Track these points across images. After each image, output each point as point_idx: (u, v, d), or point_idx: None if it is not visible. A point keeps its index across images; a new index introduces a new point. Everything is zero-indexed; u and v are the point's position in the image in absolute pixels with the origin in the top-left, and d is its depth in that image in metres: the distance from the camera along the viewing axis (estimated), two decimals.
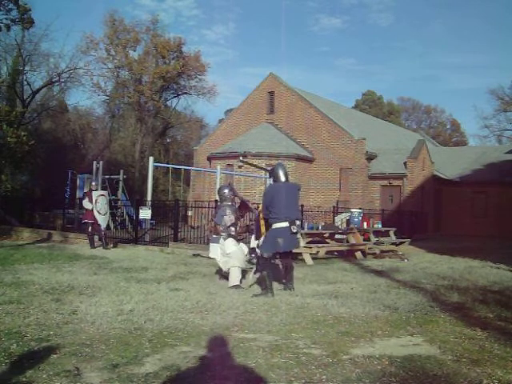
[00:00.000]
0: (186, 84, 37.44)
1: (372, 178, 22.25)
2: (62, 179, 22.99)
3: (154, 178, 21.81)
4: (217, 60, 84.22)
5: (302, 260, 10.69)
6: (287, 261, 7.10)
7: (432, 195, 23.85)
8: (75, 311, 5.34)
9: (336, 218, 16.35)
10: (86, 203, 12.97)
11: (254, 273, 7.48)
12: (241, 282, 7.37)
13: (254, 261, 7.93)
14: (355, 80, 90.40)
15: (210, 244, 7.92)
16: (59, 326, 4.75)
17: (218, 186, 13.02)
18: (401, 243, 15.28)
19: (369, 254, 12.64)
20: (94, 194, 13.06)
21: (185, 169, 20.12)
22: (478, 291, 7.14)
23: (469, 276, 8.81)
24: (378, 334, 4.75)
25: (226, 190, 7.91)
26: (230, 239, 7.48)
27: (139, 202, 14.90)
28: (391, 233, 15.60)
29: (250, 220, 8.24)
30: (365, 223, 14.87)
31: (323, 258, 11.65)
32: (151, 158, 15.15)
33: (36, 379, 3.36)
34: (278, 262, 7.39)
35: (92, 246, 12.77)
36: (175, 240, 13.13)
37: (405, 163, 21.88)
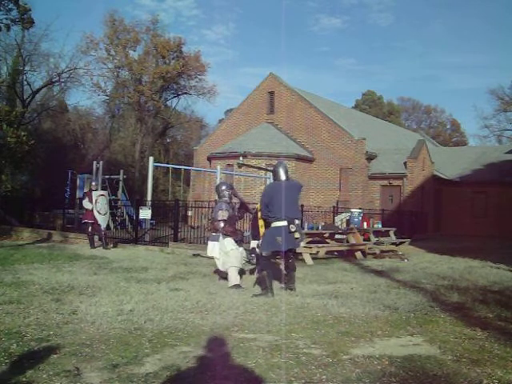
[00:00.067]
0: (186, 84, 37.50)
1: (372, 177, 22.25)
2: (61, 179, 22.99)
3: (154, 178, 21.82)
4: (217, 60, 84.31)
5: (302, 260, 10.69)
6: (289, 261, 7.10)
7: (432, 195, 23.85)
8: (75, 311, 5.34)
9: (336, 218, 16.35)
10: (85, 203, 12.97)
11: (254, 273, 7.48)
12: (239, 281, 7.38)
13: (254, 261, 7.93)
14: (355, 80, 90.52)
15: (209, 242, 7.91)
16: (59, 326, 4.75)
17: None
18: (401, 243, 15.28)
19: (369, 253, 12.64)
20: (94, 194, 13.06)
21: (185, 169, 20.13)
22: (477, 291, 7.13)
23: (469, 276, 8.81)
24: (377, 334, 4.76)
25: (224, 187, 7.97)
26: (229, 238, 7.48)
27: (139, 202, 14.90)
28: (391, 233, 15.60)
29: (240, 230, 8.13)
30: (365, 223, 14.87)
31: (323, 258, 11.65)
32: (151, 158, 15.15)
33: (36, 379, 3.36)
34: (280, 261, 7.39)
35: (92, 246, 12.77)
36: (175, 240, 13.14)
37: (405, 163, 21.88)
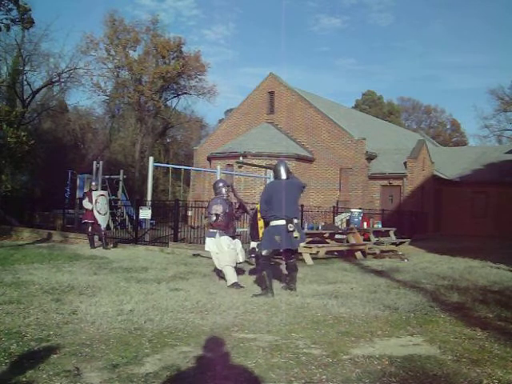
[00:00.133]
0: (186, 84, 37.50)
1: (372, 177, 22.25)
2: (61, 179, 23.00)
3: (154, 178, 21.82)
4: (217, 60, 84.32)
5: (302, 260, 10.69)
6: (290, 261, 7.09)
7: (432, 195, 23.85)
8: (75, 311, 5.34)
9: (336, 218, 16.36)
10: (85, 203, 12.97)
11: (254, 273, 7.48)
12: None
13: (254, 261, 7.94)
14: (355, 80, 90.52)
15: (206, 238, 7.94)
16: (59, 326, 4.75)
17: None
18: (401, 243, 15.29)
19: (369, 253, 12.64)
20: (94, 194, 13.06)
21: (185, 169, 20.12)
22: (478, 291, 7.13)
23: (469, 276, 8.81)
24: (377, 334, 4.75)
25: (221, 184, 8.04)
26: (226, 237, 7.50)
27: (139, 202, 14.90)
28: (391, 233, 15.60)
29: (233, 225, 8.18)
30: (365, 223, 14.87)
31: (323, 258, 11.65)
32: (151, 158, 15.14)
33: (36, 379, 3.36)
34: (281, 262, 7.39)
35: (92, 246, 12.77)
36: (175, 240, 13.14)
37: (405, 163, 21.89)
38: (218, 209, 7.51)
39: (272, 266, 7.01)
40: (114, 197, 19.73)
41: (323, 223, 14.38)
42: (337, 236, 13.22)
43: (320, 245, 11.92)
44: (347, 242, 12.98)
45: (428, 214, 22.54)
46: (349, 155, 22.03)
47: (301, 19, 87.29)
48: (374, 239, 14.29)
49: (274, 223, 6.68)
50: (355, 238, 12.98)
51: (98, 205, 12.89)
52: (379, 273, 9.21)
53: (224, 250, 7.38)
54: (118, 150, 38.07)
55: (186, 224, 16.85)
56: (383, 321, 5.26)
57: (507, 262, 10.76)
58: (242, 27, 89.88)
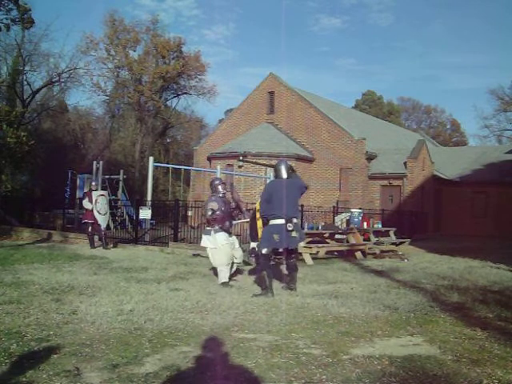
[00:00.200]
0: (185, 84, 37.50)
1: (372, 177, 22.25)
2: (61, 179, 22.99)
3: (154, 178, 21.81)
4: (217, 60, 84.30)
5: (302, 260, 10.69)
6: (290, 261, 7.09)
7: (432, 195, 23.85)
8: (75, 311, 5.34)
9: (336, 218, 16.36)
10: (85, 203, 12.97)
11: (254, 272, 7.48)
12: (229, 279, 7.45)
13: (254, 261, 7.94)
14: (355, 80, 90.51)
15: (203, 235, 7.97)
16: (59, 326, 4.75)
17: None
18: (401, 243, 15.29)
19: (369, 253, 12.64)
20: (94, 194, 13.06)
21: (185, 169, 20.11)
22: (478, 291, 7.13)
23: (469, 276, 8.81)
24: (377, 334, 4.75)
25: (217, 182, 8.11)
26: (222, 233, 7.52)
27: (139, 202, 14.90)
28: (391, 233, 15.60)
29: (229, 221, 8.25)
30: (365, 223, 14.87)
31: (323, 258, 11.65)
32: (151, 158, 15.14)
33: (36, 379, 3.36)
34: (281, 262, 7.39)
35: (92, 246, 12.77)
36: (175, 240, 13.14)
37: (405, 163, 21.89)
38: (213, 205, 7.58)
39: (272, 265, 7.01)
40: (113, 197, 19.73)
41: (323, 223, 14.38)
42: (337, 236, 13.22)
43: (320, 245, 11.93)
44: (347, 242, 12.98)
45: (428, 213, 22.54)
46: (349, 155, 22.03)
47: (301, 19, 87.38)
48: (373, 239, 14.29)
49: (273, 222, 6.69)
50: (355, 238, 12.98)
51: (98, 205, 12.89)
52: (379, 273, 9.21)
53: (219, 246, 7.41)
54: (118, 150, 38.07)
55: (186, 224, 16.85)
56: (383, 321, 5.26)
57: (507, 262, 10.76)
58: (242, 27, 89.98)
